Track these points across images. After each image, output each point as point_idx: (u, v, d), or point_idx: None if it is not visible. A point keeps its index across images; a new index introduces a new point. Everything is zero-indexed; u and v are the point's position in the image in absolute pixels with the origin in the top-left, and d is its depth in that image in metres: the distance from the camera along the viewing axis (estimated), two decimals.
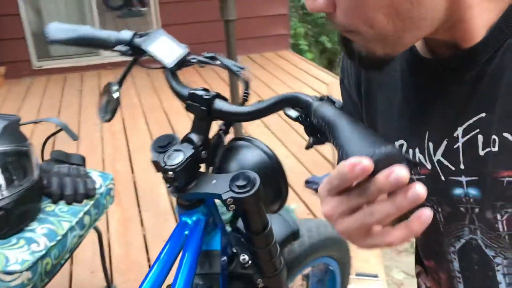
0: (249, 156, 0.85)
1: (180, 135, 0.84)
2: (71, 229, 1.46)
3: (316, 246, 1.29)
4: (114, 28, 2.57)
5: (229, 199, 0.75)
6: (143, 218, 2.62)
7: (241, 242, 0.96)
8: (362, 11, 0.55)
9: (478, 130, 0.62)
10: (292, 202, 2.78)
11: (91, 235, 1.75)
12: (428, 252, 0.79)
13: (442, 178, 0.66)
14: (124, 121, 3.90)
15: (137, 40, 0.90)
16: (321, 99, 0.67)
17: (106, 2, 5.97)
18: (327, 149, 3.46)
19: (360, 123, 0.58)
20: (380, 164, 0.45)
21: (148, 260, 2.28)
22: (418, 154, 0.69)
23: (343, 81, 0.83)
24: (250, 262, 0.93)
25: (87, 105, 4.40)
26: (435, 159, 0.66)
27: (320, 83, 4.63)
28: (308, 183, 2.97)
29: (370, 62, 0.61)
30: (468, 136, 0.63)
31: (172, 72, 0.87)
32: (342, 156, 0.54)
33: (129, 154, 3.37)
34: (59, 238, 1.40)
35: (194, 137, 0.80)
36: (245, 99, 0.84)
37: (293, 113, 0.70)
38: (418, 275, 0.88)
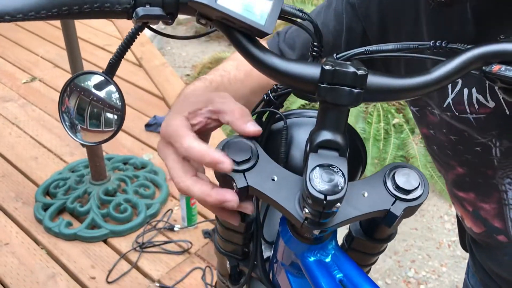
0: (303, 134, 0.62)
1: None
2: None
3: None
4: None
5: (402, 212, 0.53)
6: None
7: None
8: None
9: None
10: (144, 153, 2.55)
11: None
12: (469, 185, 0.79)
13: (507, 112, 0.65)
14: None
15: None
16: None
17: None
18: (150, 84, 3.13)
19: None
20: None
21: None
22: (475, 94, 0.66)
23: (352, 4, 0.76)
24: None
25: None
26: (501, 96, 0.65)
27: None
28: (149, 126, 2.70)
29: None
30: None
31: (253, 39, 0.50)
32: None
33: None
34: None
35: (337, 138, 0.51)
36: (317, 56, 0.57)
37: None
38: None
